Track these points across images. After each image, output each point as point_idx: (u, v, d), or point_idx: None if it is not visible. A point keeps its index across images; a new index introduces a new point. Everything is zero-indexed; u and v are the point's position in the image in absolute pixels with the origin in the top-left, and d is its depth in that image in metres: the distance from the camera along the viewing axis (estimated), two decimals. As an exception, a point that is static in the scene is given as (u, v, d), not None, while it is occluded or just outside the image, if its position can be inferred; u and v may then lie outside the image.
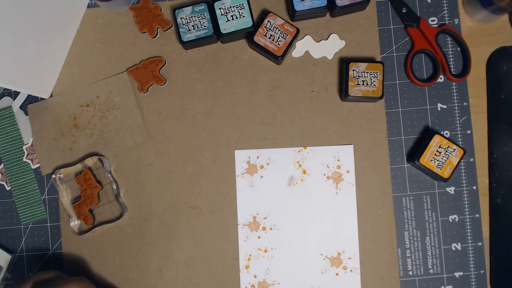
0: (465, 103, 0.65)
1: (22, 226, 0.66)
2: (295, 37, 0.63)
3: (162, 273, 0.64)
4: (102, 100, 0.66)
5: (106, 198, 0.65)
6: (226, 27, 0.63)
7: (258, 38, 0.63)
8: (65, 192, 0.65)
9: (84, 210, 0.64)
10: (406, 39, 0.66)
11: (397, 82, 0.66)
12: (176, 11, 0.64)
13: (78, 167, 0.65)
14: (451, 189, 0.64)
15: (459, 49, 0.65)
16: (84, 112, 0.67)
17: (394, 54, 0.66)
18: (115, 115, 0.66)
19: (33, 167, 0.66)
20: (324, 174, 0.65)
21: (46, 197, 0.66)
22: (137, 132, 0.66)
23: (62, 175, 0.65)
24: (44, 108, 0.67)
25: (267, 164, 0.65)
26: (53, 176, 0.64)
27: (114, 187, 0.64)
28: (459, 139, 0.65)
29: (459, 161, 0.61)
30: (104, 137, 0.66)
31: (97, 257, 0.65)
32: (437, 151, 0.61)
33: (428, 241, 0.64)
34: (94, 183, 0.64)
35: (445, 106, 0.65)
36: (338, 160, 0.65)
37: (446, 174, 0.61)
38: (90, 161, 0.65)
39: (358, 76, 0.62)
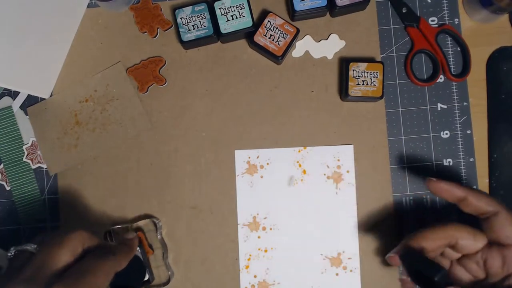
0: (465, 103, 0.65)
1: (22, 226, 0.66)
2: (295, 37, 0.63)
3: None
4: (101, 93, 0.66)
5: (155, 262, 0.63)
6: (226, 27, 0.63)
7: (258, 38, 0.63)
8: None
9: None
10: (406, 39, 0.66)
11: (397, 82, 0.66)
12: (176, 11, 0.64)
13: (130, 228, 0.64)
14: (451, 189, 0.64)
15: (459, 49, 0.65)
16: (84, 107, 0.66)
17: (394, 54, 0.66)
18: (115, 106, 0.66)
19: (33, 167, 0.66)
20: (324, 174, 0.65)
21: (46, 197, 0.66)
22: (139, 120, 0.65)
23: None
24: (44, 109, 0.67)
25: (267, 164, 0.65)
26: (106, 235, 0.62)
27: (164, 252, 0.63)
28: (459, 139, 0.65)
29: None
30: (107, 129, 0.66)
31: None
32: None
33: (428, 241, 0.64)
34: (147, 248, 0.62)
35: (445, 106, 0.65)
36: (338, 160, 0.65)
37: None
38: (143, 223, 0.63)
39: (358, 76, 0.62)
